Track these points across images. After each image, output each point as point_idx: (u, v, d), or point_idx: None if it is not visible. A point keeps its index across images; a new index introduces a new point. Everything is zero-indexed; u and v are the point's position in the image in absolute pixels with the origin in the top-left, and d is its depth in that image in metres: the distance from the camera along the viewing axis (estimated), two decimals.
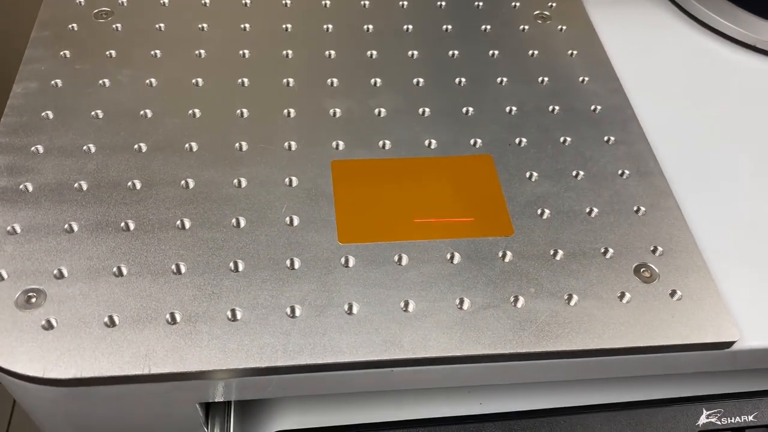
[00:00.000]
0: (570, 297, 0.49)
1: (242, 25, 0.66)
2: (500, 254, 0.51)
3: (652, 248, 0.52)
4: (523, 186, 0.55)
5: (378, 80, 0.62)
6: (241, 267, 0.48)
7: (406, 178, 0.55)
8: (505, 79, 0.64)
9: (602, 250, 0.52)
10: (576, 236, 0.52)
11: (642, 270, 0.51)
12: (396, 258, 0.50)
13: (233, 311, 0.46)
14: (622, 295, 0.49)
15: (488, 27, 0.69)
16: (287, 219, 0.51)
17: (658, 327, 0.48)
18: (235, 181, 0.53)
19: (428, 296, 0.48)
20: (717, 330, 0.48)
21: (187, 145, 0.55)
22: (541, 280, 0.49)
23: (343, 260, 0.49)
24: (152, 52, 0.62)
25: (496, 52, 0.66)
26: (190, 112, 0.58)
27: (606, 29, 0.71)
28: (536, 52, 0.67)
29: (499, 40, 0.68)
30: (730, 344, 0.48)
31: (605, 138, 0.60)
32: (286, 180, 0.54)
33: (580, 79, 0.65)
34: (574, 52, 0.67)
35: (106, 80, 0.60)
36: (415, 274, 0.49)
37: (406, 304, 0.47)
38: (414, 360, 0.45)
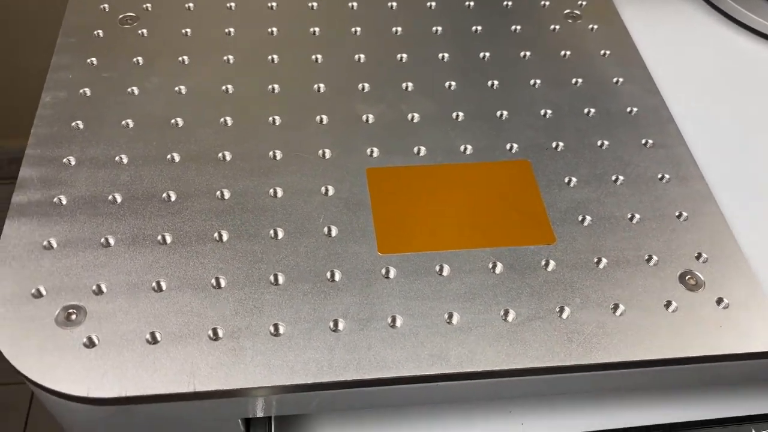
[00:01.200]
0: (616, 307, 0.48)
1: (269, 29, 0.65)
2: (543, 263, 0.50)
3: (696, 255, 0.51)
4: (562, 192, 0.54)
5: (409, 84, 0.61)
6: (281, 280, 0.48)
7: (443, 185, 0.54)
8: (538, 81, 0.63)
9: (646, 258, 0.51)
10: (619, 243, 0.51)
11: (687, 278, 0.50)
12: (437, 268, 0.49)
13: (276, 326, 0.45)
14: (668, 304, 0.48)
15: (518, 27, 0.68)
16: (325, 229, 0.50)
17: (706, 336, 0.47)
18: (271, 190, 0.52)
19: (472, 308, 0.47)
20: (767, 339, 0.47)
21: (220, 155, 0.54)
22: (585, 289, 0.49)
23: (383, 271, 0.48)
24: (180, 59, 0.62)
25: (528, 53, 0.65)
26: (222, 120, 0.57)
27: (637, 27, 0.70)
28: (568, 52, 0.66)
29: (529, 40, 0.67)
30: None
31: (643, 141, 0.59)
32: (322, 189, 0.53)
33: (615, 80, 0.64)
34: (607, 52, 0.66)
35: (134, 88, 0.59)
36: (458, 285, 0.48)
37: (450, 316, 0.47)
38: (461, 374, 0.44)
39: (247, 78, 0.61)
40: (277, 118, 0.58)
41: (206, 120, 0.57)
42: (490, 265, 0.49)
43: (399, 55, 0.64)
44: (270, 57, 0.63)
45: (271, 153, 0.55)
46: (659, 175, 0.56)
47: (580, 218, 0.53)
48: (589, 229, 0.52)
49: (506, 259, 0.50)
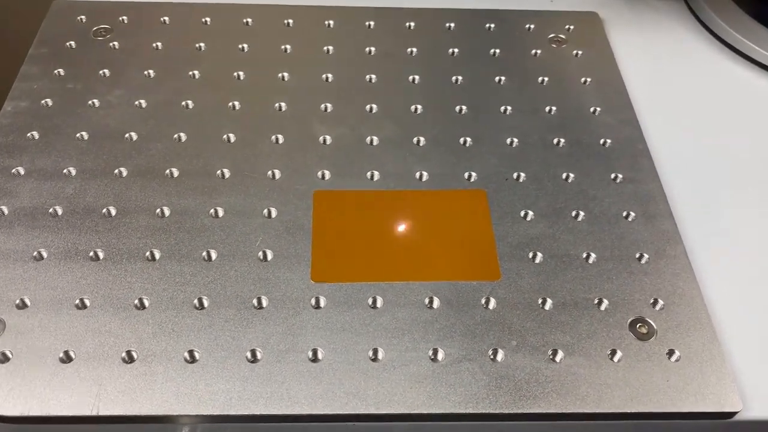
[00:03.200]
0: (555, 353, 0.45)
1: (240, 45, 0.64)
2: (483, 301, 0.47)
3: (652, 301, 0.48)
4: (516, 226, 0.52)
5: (374, 106, 0.60)
6: (206, 303, 0.46)
7: (391, 212, 0.52)
8: (509, 108, 0.60)
9: (596, 301, 0.48)
10: (569, 284, 0.48)
11: (638, 325, 0.46)
12: (370, 301, 0.47)
13: (191, 352, 0.44)
14: (613, 353, 0.45)
15: (497, 51, 0.65)
16: (260, 253, 0.49)
17: (649, 391, 0.43)
18: (212, 210, 0.51)
19: (400, 345, 0.45)
20: (717, 398, 0.43)
21: (167, 171, 0.54)
22: (524, 332, 0.46)
23: (313, 301, 0.47)
24: (145, 72, 0.61)
25: (503, 78, 0.63)
26: (176, 136, 0.56)
27: (626, 53, 0.66)
28: (546, 79, 0.63)
29: (508, 65, 0.64)
30: (731, 415, 0.43)
31: (612, 175, 0.55)
32: (265, 211, 0.51)
33: (592, 109, 0.61)
34: (588, 80, 0.63)
35: (95, 100, 0.59)
36: (388, 320, 0.46)
37: (375, 352, 0.44)
38: (378, 416, 0.42)
39: (209, 94, 0.60)
40: (231, 135, 0.56)
41: (160, 135, 0.56)
42: (427, 300, 0.47)
43: (368, 76, 0.62)
44: (236, 73, 0.62)
45: (219, 172, 0.54)
46: (624, 213, 0.53)
47: (530, 255, 0.50)
48: (539, 267, 0.49)
49: (445, 294, 0.47)
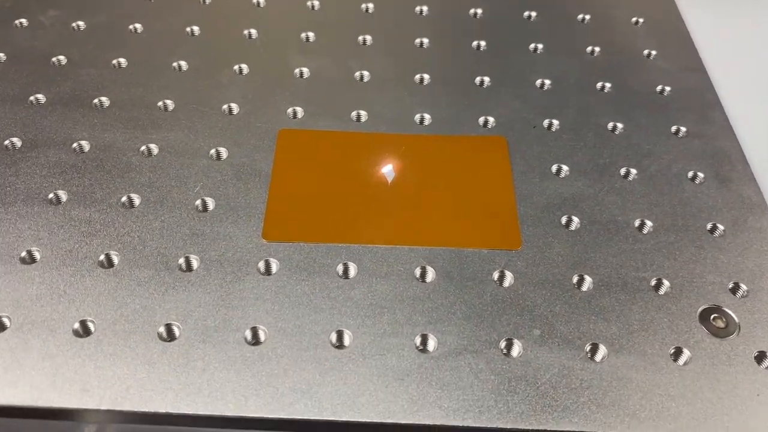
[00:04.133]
0: (594, 348, 0.32)
1: None
2: (496, 275, 0.34)
3: (731, 285, 0.34)
4: (545, 183, 0.39)
5: (368, 38, 0.47)
6: (115, 260, 0.34)
7: (377, 160, 0.39)
8: (540, 47, 0.47)
9: (653, 282, 0.34)
10: (615, 259, 0.35)
11: (713, 317, 0.33)
12: (340, 268, 0.34)
13: (84, 323, 0.31)
14: (678, 353, 0.32)
15: None
16: (198, 202, 0.37)
17: (731, 408, 0.30)
18: (144, 147, 0.39)
19: (375, 327, 0.32)
20: None
21: (96, 100, 0.42)
22: (552, 318, 0.33)
23: (261, 264, 0.34)
24: None
25: (533, 14, 0.50)
26: (115, 61, 0.44)
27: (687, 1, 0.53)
28: (587, 16, 0.50)
29: (539, 0, 0.52)
30: None
31: (673, 128, 0.42)
32: (212, 151, 0.39)
33: (645, 52, 0.48)
34: (640, 20, 0.50)
35: (23, 20, 0.47)
36: (363, 293, 0.33)
37: (340, 336, 0.32)
38: (335, 425, 0.29)
39: (163, 17, 0.48)
40: (183, 63, 0.44)
41: (95, 60, 0.45)
42: (418, 271, 0.34)
43: (365, 5, 0.50)
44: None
45: (160, 103, 0.42)
46: (689, 173, 0.40)
47: (563, 219, 0.37)
48: (575, 236, 0.36)
49: (443, 263, 0.34)
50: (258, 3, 0.50)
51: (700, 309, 0.33)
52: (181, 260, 0.34)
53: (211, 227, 0.35)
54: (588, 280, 0.34)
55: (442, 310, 0.33)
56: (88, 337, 0.31)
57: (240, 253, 0.34)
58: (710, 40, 0.50)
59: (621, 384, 0.30)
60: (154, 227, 0.35)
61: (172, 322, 0.32)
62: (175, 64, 0.44)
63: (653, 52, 0.48)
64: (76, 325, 0.31)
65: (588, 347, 0.32)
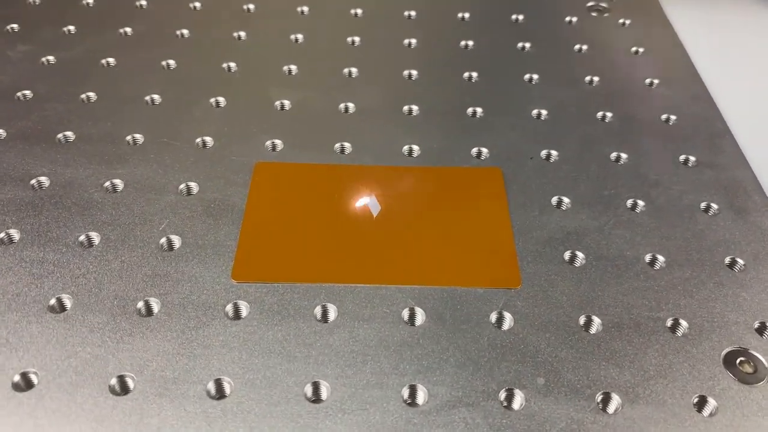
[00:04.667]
0: (606, 398, 0.28)
1: (192, 5, 0.51)
2: (494, 317, 0.30)
3: (757, 325, 0.31)
4: (545, 216, 0.35)
5: (353, 70, 0.45)
6: (67, 305, 0.30)
7: (360, 194, 0.36)
8: (535, 77, 0.45)
9: (669, 323, 0.31)
10: (626, 297, 0.32)
11: (739, 360, 0.29)
12: (318, 311, 0.30)
13: (25, 375, 0.28)
14: (702, 403, 0.28)
15: (520, 17, 0.51)
16: (163, 240, 0.33)
17: None
18: (107, 183, 0.36)
19: (357, 378, 0.28)
20: None
21: (60, 135, 0.39)
22: (558, 364, 0.29)
23: (230, 308, 0.30)
24: (64, 29, 0.47)
25: (527, 45, 0.48)
26: (84, 96, 0.42)
27: (686, 27, 0.51)
28: (584, 47, 0.48)
29: (533, 32, 0.49)
30: None
31: (681, 157, 0.39)
32: (182, 186, 0.36)
33: (647, 81, 0.45)
34: (640, 50, 0.48)
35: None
36: (344, 339, 0.29)
37: (316, 388, 0.28)
38: None
39: (139, 51, 0.46)
40: (156, 97, 0.42)
41: (62, 94, 0.42)
42: (406, 313, 0.30)
43: (351, 38, 0.48)
44: (179, 32, 0.48)
45: (129, 137, 0.39)
46: (702, 204, 0.36)
47: (566, 255, 0.33)
48: (580, 272, 0.33)
49: (434, 304, 0.31)
50: (239, 36, 0.47)
51: (724, 352, 0.30)
52: (140, 304, 0.30)
53: (175, 267, 0.32)
54: (596, 321, 0.31)
55: (433, 357, 0.29)
56: (29, 391, 0.27)
57: (206, 296, 0.31)
58: (714, 67, 0.47)
59: None
60: (113, 268, 0.32)
61: (126, 374, 0.28)
62: (147, 98, 0.42)
63: (655, 81, 0.45)
64: (17, 378, 0.28)
65: (599, 397, 0.28)
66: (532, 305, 0.31)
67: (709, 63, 0.47)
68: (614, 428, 0.27)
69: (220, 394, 0.28)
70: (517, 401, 0.28)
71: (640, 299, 0.32)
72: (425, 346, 0.29)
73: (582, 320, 0.31)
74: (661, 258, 0.33)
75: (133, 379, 0.28)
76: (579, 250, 0.34)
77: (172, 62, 0.45)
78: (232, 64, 0.45)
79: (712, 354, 0.29)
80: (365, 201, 0.35)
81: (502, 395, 0.28)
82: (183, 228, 0.34)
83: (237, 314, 0.30)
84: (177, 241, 0.33)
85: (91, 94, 0.42)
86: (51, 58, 0.45)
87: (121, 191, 0.36)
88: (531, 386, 0.28)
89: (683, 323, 0.31)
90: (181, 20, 0.49)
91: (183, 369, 0.28)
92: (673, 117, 0.42)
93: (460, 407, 0.27)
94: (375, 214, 0.35)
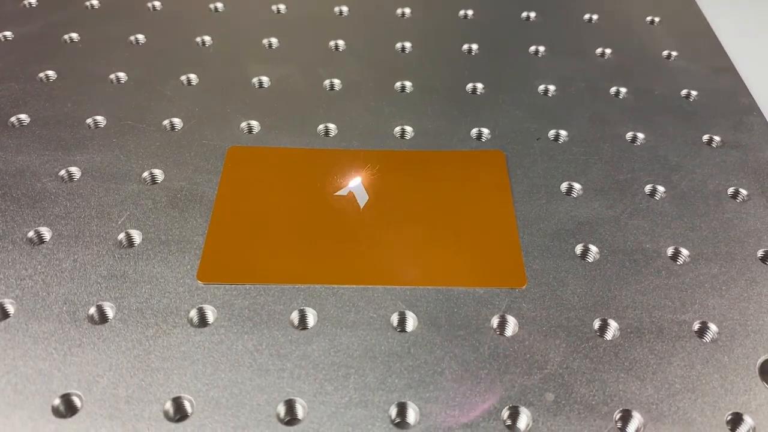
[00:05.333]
0: (627, 416, 0.24)
1: None
2: (495, 321, 0.27)
3: None
4: (553, 204, 0.31)
5: (340, 43, 0.41)
6: (10, 311, 0.27)
7: (345, 182, 0.32)
8: (541, 49, 0.41)
9: (696, 327, 0.27)
10: (646, 297, 0.28)
11: None
12: (295, 316, 0.27)
13: None
14: (738, 421, 0.24)
15: None
16: (121, 236, 0.29)
17: None
18: (63, 172, 0.32)
19: (338, 395, 0.24)
20: None
21: (13, 119, 0.35)
22: (569, 377, 0.25)
23: (194, 314, 0.27)
24: (25, 2, 0.43)
25: (532, 14, 0.44)
26: (42, 74, 0.38)
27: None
28: (595, 16, 0.44)
29: (538, 1, 0.45)
30: None
31: (705, 137, 0.35)
32: (146, 174, 0.32)
33: (665, 53, 0.41)
34: (656, 19, 0.44)
35: None
36: (323, 349, 0.26)
37: (290, 407, 0.24)
38: None
39: (106, 25, 0.42)
40: (122, 75, 0.38)
41: (18, 73, 0.38)
42: (395, 318, 0.27)
43: (338, 8, 0.44)
44: (150, 4, 0.43)
45: (90, 120, 0.35)
46: (730, 189, 0.32)
47: (578, 249, 0.30)
48: (594, 269, 0.29)
49: (428, 307, 0.27)
50: (215, 8, 0.43)
51: (760, 360, 0.26)
52: (92, 309, 0.27)
53: (134, 267, 0.28)
54: (613, 325, 0.27)
55: (426, 369, 0.25)
56: None
57: (168, 299, 0.27)
58: (737, 37, 0.43)
59: None
60: (64, 268, 0.28)
61: (72, 392, 0.24)
62: (112, 76, 0.38)
63: (674, 53, 0.41)
64: None
65: (618, 415, 0.24)
66: (540, 307, 0.27)
67: (732, 32, 0.43)
68: None
69: (180, 414, 0.24)
70: (523, 421, 0.24)
71: (663, 299, 0.28)
72: (417, 356, 0.26)
73: (596, 324, 0.27)
74: (684, 251, 0.30)
75: (80, 398, 0.24)
76: (592, 243, 0.30)
77: (141, 37, 0.41)
78: (207, 38, 0.41)
79: (746, 363, 0.26)
80: (350, 187, 0.31)
81: (506, 414, 0.24)
82: (145, 221, 0.30)
83: (202, 320, 0.27)
84: (137, 236, 0.29)
85: (51, 73, 0.38)
86: (8, 33, 0.41)
87: (78, 180, 0.32)
88: (539, 403, 0.24)
89: (712, 327, 0.27)
90: None
91: (138, 386, 0.24)
92: (694, 92, 0.38)
93: (457, 429, 0.23)
94: (362, 205, 0.31)
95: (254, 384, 0.24)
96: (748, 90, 0.38)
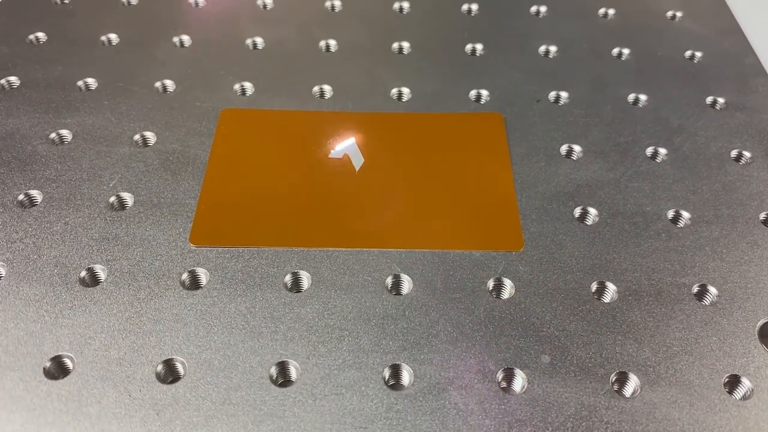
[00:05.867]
0: (623, 378, 0.24)
1: None
2: (491, 284, 0.26)
3: None
4: (552, 166, 0.31)
5: (336, 3, 0.40)
6: (2, 273, 0.26)
7: (338, 142, 0.32)
8: (542, 9, 0.40)
9: (695, 290, 0.26)
10: (645, 260, 0.27)
11: None
12: (288, 279, 0.26)
13: None
14: (735, 383, 0.24)
15: None
16: (113, 198, 0.29)
17: None
18: (54, 134, 0.32)
19: (332, 357, 0.24)
20: None
21: (3, 81, 0.34)
22: (566, 339, 0.25)
23: (186, 276, 0.26)
24: None
25: None
26: (32, 36, 0.37)
27: None
28: None
29: None
30: None
31: (708, 99, 0.34)
32: (137, 136, 0.32)
33: (669, 13, 0.40)
34: None
35: None
36: (317, 311, 0.25)
37: (284, 370, 0.24)
38: None
39: None
40: (113, 37, 0.37)
41: (7, 35, 0.37)
42: (389, 280, 0.26)
43: None
44: None
45: (81, 82, 0.34)
46: (733, 152, 0.32)
47: (577, 212, 0.29)
48: (592, 232, 0.28)
49: (423, 270, 0.27)
50: None
51: (760, 323, 0.25)
52: (84, 272, 0.26)
53: (126, 229, 0.28)
54: (611, 288, 0.26)
55: (421, 331, 0.25)
56: None
57: (160, 262, 0.27)
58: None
59: (660, 427, 0.22)
60: (55, 230, 0.28)
61: (64, 354, 0.24)
62: (104, 37, 0.37)
63: (678, 14, 0.40)
64: None
65: (614, 378, 0.24)
66: (537, 270, 0.27)
67: None
68: (632, 414, 0.23)
69: (172, 376, 0.24)
70: (518, 383, 0.24)
71: (662, 262, 0.27)
72: (411, 318, 0.25)
73: (594, 287, 0.26)
74: (685, 214, 0.29)
75: (71, 360, 0.24)
76: (591, 206, 0.29)
77: None
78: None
79: (745, 326, 0.25)
80: (346, 149, 0.31)
81: (501, 376, 0.24)
82: (136, 184, 0.29)
83: (195, 283, 0.26)
84: (129, 199, 0.29)
85: (41, 35, 0.37)
86: None
87: (69, 143, 0.31)
88: (534, 365, 0.24)
89: (712, 290, 0.26)
90: None
91: (130, 348, 0.24)
92: (698, 54, 0.37)
93: (451, 390, 0.23)
94: (357, 167, 0.30)
95: (247, 346, 0.24)
96: (754, 51, 0.37)
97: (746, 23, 0.39)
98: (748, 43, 0.38)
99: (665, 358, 0.24)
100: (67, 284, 0.26)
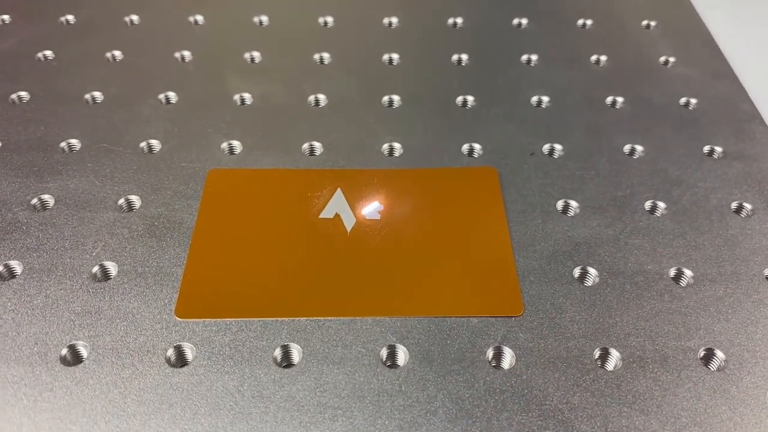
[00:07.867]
0: None
1: None
2: (490, 353, 0.25)
3: None
4: (549, 223, 0.30)
5: (325, 56, 0.39)
6: None
7: (329, 202, 0.31)
8: (534, 58, 0.39)
9: (701, 354, 0.25)
10: (648, 323, 0.26)
11: None
12: (278, 353, 0.25)
13: None
14: None
15: None
16: (96, 268, 0.28)
17: None
18: (35, 200, 0.31)
19: None
20: None
21: None
22: (570, 412, 0.24)
23: (171, 352, 0.25)
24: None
25: (524, 21, 0.42)
26: (14, 96, 0.36)
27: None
28: (588, 21, 0.42)
29: (530, 5, 0.44)
30: None
31: (706, 148, 0.34)
32: (122, 201, 0.31)
33: (662, 59, 0.40)
34: (652, 23, 0.42)
35: None
36: (309, 388, 0.24)
37: None
38: None
39: (80, 41, 0.40)
40: (97, 94, 0.36)
41: None
42: (384, 352, 0.25)
43: (322, 18, 0.42)
44: (128, 18, 0.42)
45: (64, 144, 0.33)
46: (734, 204, 0.31)
47: (576, 272, 0.28)
48: (593, 294, 0.27)
49: (419, 339, 0.26)
50: (195, 21, 0.42)
51: None
52: (65, 350, 0.25)
53: (109, 302, 0.27)
54: (614, 355, 0.25)
55: (418, 408, 0.24)
56: None
57: (144, 337, 0.26)
58: (735, 42, 0.41)
59: None
60: (35, 304, 0.27)
61: None
62: (88, 95, 0.36)
63: (671, 59, 0.39)
64: None
65: None
66: (537, 337, 0.26)
67: (730, 36, 0.42)
68: None
69: None
70: None
71: (666, 325, 0.26)
72: (409, 394, 0.24)
73: (597, 354, 0.25)
74: (688, 272, 0.28)
75: None
76: (590, 266, 0.28)
77: (118, 53, 0.39)
78: (186, 53, 0.39)
79: (756, 393, 0.24)
80: (337, 210, 0.30)
81: None
82: (120, 252, 0.28)
83: (181, 359, 0.25)
84: (113, 268, 0.28)
85: (23, 94, 0.36)
86: None
87: (51, 209, 0.30)
88: None
89: (719, 354, 0.25)
90: (132, 4, 0.43)
91: (113, 428, 0.23)
92: (693, 100, 0.37)
93: None
94: (349, 229, 0.29)
95: (235, 429, 0.23)
96: (748, 96, 0.37)
97: (739, 67, 0.39)
98: (742, 87, 0.37)
99: (674, 430, 0.23)
100: (47, 363, 0.25)
